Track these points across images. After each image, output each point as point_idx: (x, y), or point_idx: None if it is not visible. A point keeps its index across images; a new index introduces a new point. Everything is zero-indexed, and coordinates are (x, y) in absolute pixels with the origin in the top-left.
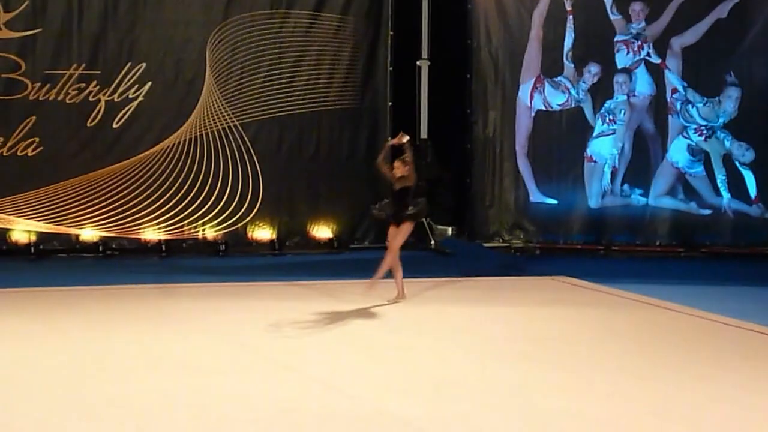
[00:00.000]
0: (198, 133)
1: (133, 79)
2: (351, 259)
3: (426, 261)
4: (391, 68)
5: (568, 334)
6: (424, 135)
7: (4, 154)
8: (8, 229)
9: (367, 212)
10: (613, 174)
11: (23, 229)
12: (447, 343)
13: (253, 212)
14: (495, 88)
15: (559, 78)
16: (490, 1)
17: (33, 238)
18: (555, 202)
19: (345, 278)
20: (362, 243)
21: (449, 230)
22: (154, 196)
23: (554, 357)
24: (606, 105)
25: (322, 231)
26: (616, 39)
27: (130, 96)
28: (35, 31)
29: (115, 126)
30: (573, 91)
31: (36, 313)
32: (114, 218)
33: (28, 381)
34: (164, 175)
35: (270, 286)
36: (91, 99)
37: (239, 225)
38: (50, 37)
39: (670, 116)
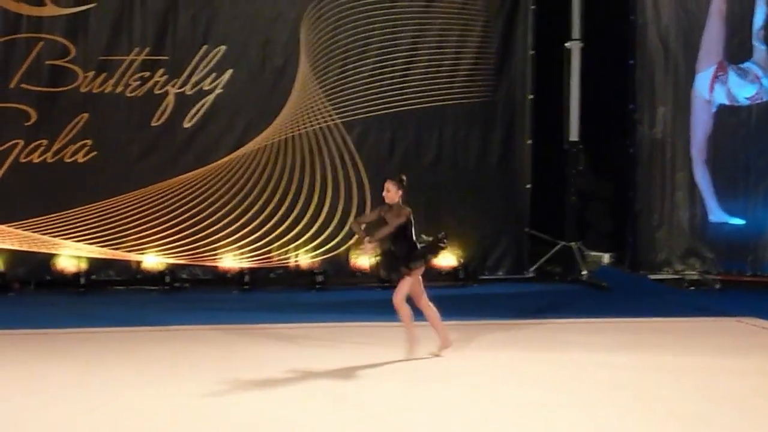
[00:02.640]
0: (290, 135)
1: (210, 66)
2: (480, 294)
3: (575, 296)
4: (532, 52)
5: (760, 392)
6: (574, 137)
7: (49, 160)
8: (53, 255)
9: (501, 236)
10: None
11: (71, 255)
12: (596, 400)
13: (357, 235)
14: (665, 77)
15: (747, 64)
16: None
17: (83, 265)
18: (741, 222)
19: (472, 318)
20: (495, 273)
21: (606, 257)
22: (235, 214)
23: (743, 422)
24: None
25: (444, 258)
26: None
27: (206, 88)
28: (88, 6)
29: (186, 125)
30: (766, 81)
31: (87, 361)
32: (184, 242)
33: None
34: (247, 188)
35: (377, 327)
36: (156, 91)
37: (340, 250)
38: (106, 14)
39: None
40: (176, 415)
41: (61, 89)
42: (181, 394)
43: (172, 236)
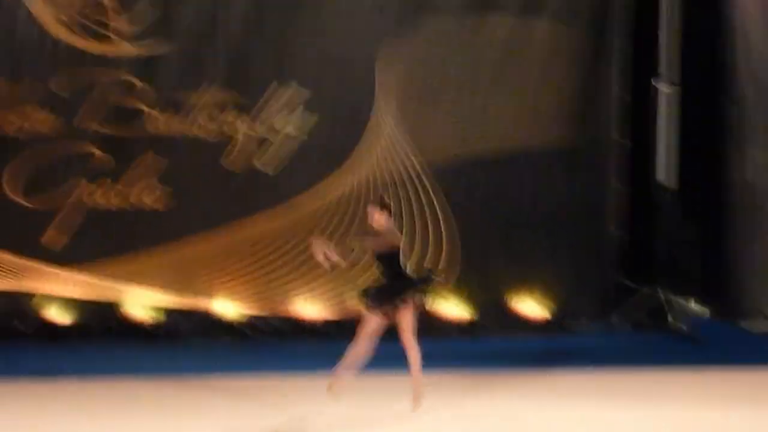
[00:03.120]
0: (367, 176)
1: (284, 106)
2: (568, 345)
3: (658, 347)
4: (621, 92)
5: None
6: (663, 179)
7: (117, 203)
8: (118, 303)
9: (586, 282)
10: None
11: (139, 303)
12: None
13: (439, 281)
14: (761, 117)
15: None
16: (754, 3)
17: (152, 312)
18: None
19: (563, 367)
20: (579, 321)
21: (696, 305)
22: (313, 261)
23: None
24: None
25: (531, 307)
26: None
27: (279, 128)
28: (159, 44)
29: (258, 167)
30: None
31: (157, 416)
32: (260, 290)
33: None
34: (326, 233)
35: (462, 379)
36: (228, 132)
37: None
38: (178, 52)
39: None
40: None
41: (129, 129)
42: None
43: (247, 283)
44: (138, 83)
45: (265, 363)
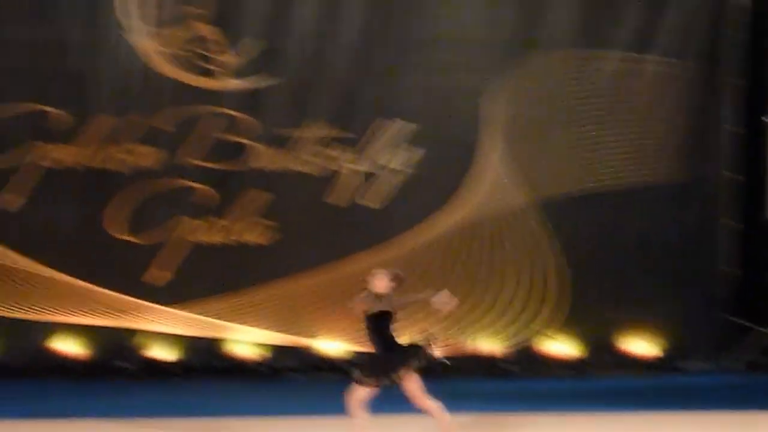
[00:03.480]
0: (476, 213)
1: (388, 139)
2: (682, 384)
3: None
4: (732, 127)
5: None
6: None
7: (222, 240)
8: (225, 340)
9: (697, 321)
10: None
11: (245, 340)
12: None
13: (549, 320)
14: None
15: None
16: None
17: (257, 351)
18: None
19: (674, 407)
20: (690, 361)
21: None
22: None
23: None
24: None
25: (642, 345)
26: None
27: (387, 165)
28: (266, 79)
29: (365, 204)
30: None
31: None
32: (363, 327)
33: None
34: (430, 270)
35: (571, 419)
36: (335, 169)
37: (530, 337)
38: (285, 88)
39: None
40: None
41: (233, 164)
42: None
43: (350, 321)
44: (242, 118)
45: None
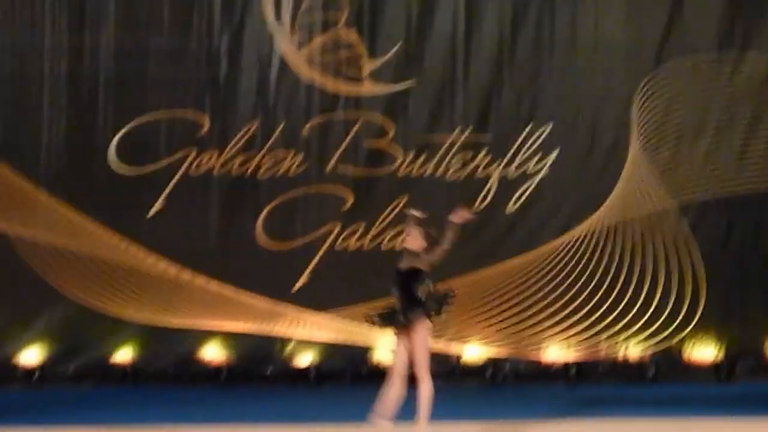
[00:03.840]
0: (620, 219)
1: (535, 146)
2: None
3: None
4: None
5: None
6: None
7: (366, 246)
8: (369, 347)
9: None
10: None
11: (388, 347)
12: None
13: (691, 325)
14: None
15: None
16: None
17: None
18: None
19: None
20: None
21: None
22: (560, 303)
23: None
24: None
25: None
26: None
27: (530, 170)
28: (408, 84)
29: (509, 210)
30: None
31: None
32: (507, 332)
33: None
34: (574, 275)
35: (714, 424)
36: (478, 174)
37: (672, 342)
38: (427, 92)
39: None
40: None
41: (379, 172)
42: None
43: (493, 326)
44: (389, 126)
45: (507, 407)
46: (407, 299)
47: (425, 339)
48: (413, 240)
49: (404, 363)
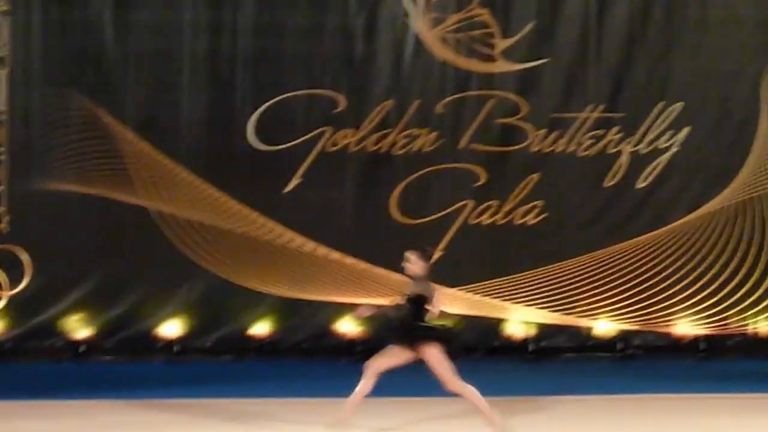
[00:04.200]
0: (750, 195)
1: (666, 123)
2: None
3: None
4: None
5: None
6: None
7: (499, 222)
8: (502, 320)
9: None
10: None
11: (520, 320)
12: None
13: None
14: None
15: None
16: None
17: (532, 331)
18: None
19: None
20: None
21: None
22: (690, 278)
23: None
24: None
25: None
26: None
27: (661, 146)
28: (541, 61)
29: (640, 186)
30: None
31: None
32: (637, 307)
33: None
34: (704, 251)
35: None
36: (610, 151)
37: None
38: (560, 70)
39: None
40: None
41: (511, 148)
42: None
43: (624, 301)
44: (521, 102)
45: (639, 381)
46: (413, 325)
47: (438, 356)
48: (413, 266)
49: (388, 366)
